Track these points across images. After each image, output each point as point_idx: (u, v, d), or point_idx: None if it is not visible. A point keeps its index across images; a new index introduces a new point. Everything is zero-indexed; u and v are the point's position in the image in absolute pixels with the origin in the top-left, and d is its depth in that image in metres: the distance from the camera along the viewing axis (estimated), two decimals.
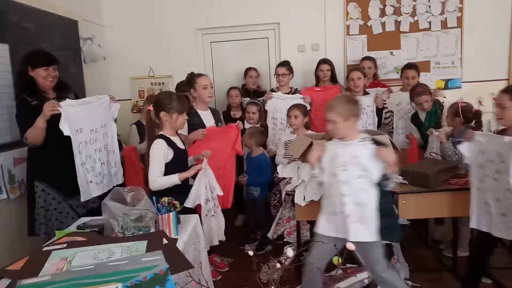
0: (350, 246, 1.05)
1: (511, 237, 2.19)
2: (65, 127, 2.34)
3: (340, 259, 1.10)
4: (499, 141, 2.15)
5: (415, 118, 3.35)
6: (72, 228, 2.05)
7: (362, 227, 2.02)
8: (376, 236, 2.04)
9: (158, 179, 2.28)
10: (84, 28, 4.04)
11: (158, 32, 4.59)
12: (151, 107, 2.43)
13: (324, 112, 2.14)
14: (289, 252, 1.10)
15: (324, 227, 2.17)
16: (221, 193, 2.62)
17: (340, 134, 2.10)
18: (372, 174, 2.01)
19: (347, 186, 2.03)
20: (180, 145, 2.46)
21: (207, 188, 2.47)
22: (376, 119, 3.53)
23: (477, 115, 2.90)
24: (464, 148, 2.35)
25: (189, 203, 2.38)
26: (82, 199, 2.46)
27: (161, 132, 2.40)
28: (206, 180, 2.47)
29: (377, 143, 2.08)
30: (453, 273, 2.83)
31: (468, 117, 2.86)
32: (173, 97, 2.39)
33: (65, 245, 1.64)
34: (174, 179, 2.31)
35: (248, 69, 4.28)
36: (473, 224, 2.39)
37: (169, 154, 2.34)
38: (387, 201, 2.11)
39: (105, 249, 1.59)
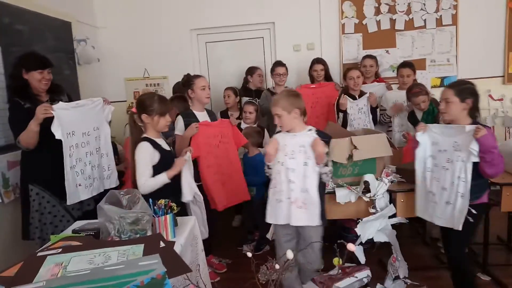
0: (351, 247, 1.03)
1: (452, 226, 2.23)
2: (57, 131, 2.32)
3: (340, 260, 1.08)
4: (459, 130, 2.21)
5: (411, 117, 3.34)
6: (67, 232, 2.02)
7: (306, 212, 2.20)
8: (318, 220, 2.21)
9: (147, 182, 2.23)
10: (78, 30, 4.01)
11: (153, 33, 4.57)
12: (134, 109, 2.39)
13: (271, 108, 2.31)
14: (289, 253, 1.09)
15: (273, 215, 2.31)
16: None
17: (286, 126, 2.27)
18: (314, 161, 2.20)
19: (294, 174, 2.21)
20: (165, 146, 2.42)
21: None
22: (371, 117, 3.54)
23: None
24: (421, 137, 2.39)
25: (186, 197, 2.35)
26: (68, 203, 2.43)
27: (145, 135, 2.35)
28: (190, 172, 2.45)
29: (320, 134, 2.26)
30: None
31: None
32: (155, 99, 2.33)
33: (60, 249, 1.61)
34: (163, 178, 2.26)
35: (254, 68, 4.21)
36: (417, 213, 2.48)
37: (155, 156, 2.29)
38: (321, 187, 2.28)
39: (101, 254, 1.56)
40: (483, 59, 4.30)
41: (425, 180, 2.41)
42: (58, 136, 2.32)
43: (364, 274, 2.70)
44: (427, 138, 2.38)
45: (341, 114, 3.56)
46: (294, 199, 2.21)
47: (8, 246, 2.74)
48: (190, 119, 2.88)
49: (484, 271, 2.83)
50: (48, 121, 2.31)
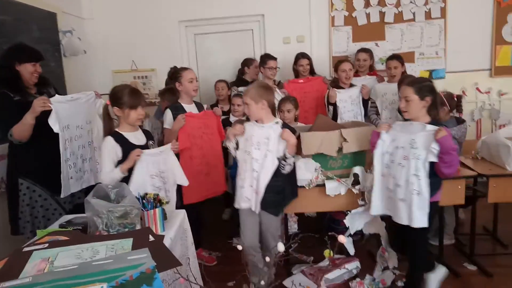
0: (341, 239, 1.03)
1: (409, 223, 2.22)
2: (55, 124, 2.30)
3: (331, 252, 1.08)
4: (419, 128, 2.21)
5: None
6: (55, 226, 1.99)
7: (258, 198, 2.32)
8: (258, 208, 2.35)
9: (105, 177, 2.19)
10: (63, 21, 3.93)
11: (140, 25, 4.50)
12: (108, 101, 2.34)
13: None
14: (280, 246, 1.08)
15: (239, 201, 2.41)
16: (186, 183, 2.47)
17: (254, 115, 2.36)
18: (277, 153, 2.31)
19: (258, 163, 2.31)
20: (135, 141, 2.31)
21: (163, 173, 2.32)
22: (363, 110, 3.56)
23: (459, 100, 3.05)
24: (384, 135, 2.37)
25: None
26: (62, 195, 2.40)
27: (116, 129, 2.31)
28: (156, 167, 2.29)
29: (286, 127, 2.36)
30: (439, 261, 2.87)
31: (452, 104, 2.96)
32: (125, 91, 2.26)
33: (46, 244, 1.58)
34: (117, 172, 2.19)
35: (251, 60, 4.16)
36: (373, 211, 2.42)
37: (118, 151, 2.23)
38: (280, 180, 2.36)
39: (89, 248, 1.54)
40: (471, 52, 4.33)
41: (383, 176, 2.37)
42: (56, 129, 2.31)
43: (354, 265, 2.72)
44: (388, 135, 2.36)
45: (331, 108, 3.57)
46: (256, 187, 2.33)
47: None
48: (178, 112, 2.85)
49: (470, 261, 2.88)
50: (41, 114, 2.29)
